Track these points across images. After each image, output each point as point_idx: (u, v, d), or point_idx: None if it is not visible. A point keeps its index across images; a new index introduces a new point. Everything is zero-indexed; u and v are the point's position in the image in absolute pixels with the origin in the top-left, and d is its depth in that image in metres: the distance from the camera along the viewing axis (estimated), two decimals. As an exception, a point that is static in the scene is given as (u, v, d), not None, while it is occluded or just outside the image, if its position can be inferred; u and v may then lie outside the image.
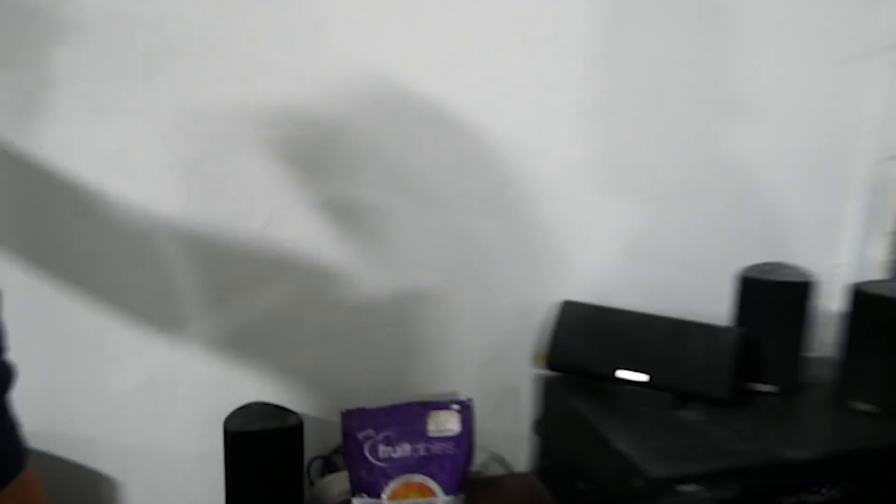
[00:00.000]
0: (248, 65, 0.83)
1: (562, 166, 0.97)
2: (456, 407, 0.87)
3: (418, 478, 0.85)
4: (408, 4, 0.87)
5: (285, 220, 0.88)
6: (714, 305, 0.95)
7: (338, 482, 0.91)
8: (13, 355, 0.51)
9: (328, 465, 0.94)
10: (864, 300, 0.88)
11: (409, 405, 0.87)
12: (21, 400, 0.51)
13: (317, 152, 0.88)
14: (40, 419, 0.82)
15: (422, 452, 0.85)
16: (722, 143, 1.03)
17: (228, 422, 0.84)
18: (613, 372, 0.90)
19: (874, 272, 1.09)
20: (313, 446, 0.90)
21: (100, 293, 0.84)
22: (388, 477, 0.84)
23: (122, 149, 0.81)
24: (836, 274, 1.09)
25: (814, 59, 1.04)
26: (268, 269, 0.89)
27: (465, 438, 0.86)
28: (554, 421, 0.96)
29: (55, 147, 0.79)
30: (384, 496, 0.84)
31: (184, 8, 0.80)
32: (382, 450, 0.85)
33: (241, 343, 0.90)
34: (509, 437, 1.04)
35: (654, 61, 0.97)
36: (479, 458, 0.98)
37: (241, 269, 0.88)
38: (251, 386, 0.91)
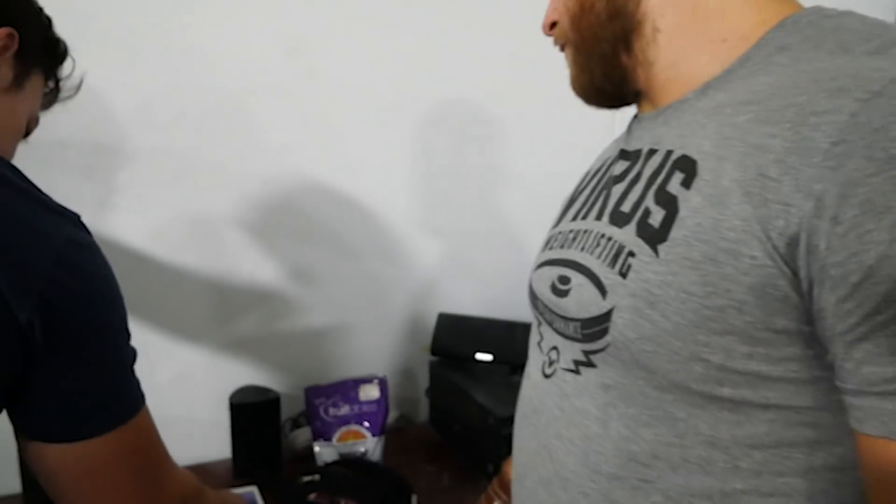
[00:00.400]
0: (237, 176, 1.32)
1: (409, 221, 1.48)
2: (376, 381, 1.40)
3: (354, 427, 1.37)
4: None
5: (263, 270, 1.38)
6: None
7: (303, 434, 1.41)
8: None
9: (296, 423, 1.44)
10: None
11: (346, 381, 1.39)
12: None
13: (279, 229, 1.38)
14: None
15: (356, 411, 1.37)
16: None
17: (232, 398, 1.33)
18: (473, 355, 1.45)
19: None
20: (286, 412, 1.40)
21: (146, 316, 1.32)
22: (336, 427, 1.36)
23: (160, 232, 1.29)
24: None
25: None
26: (254, 299, 1.39)
27: (383, 401, 1.39)
28: (438, 387, 1.50)
29: (121, 229, 1.26)
30: (334, 439, 1.35)
31: (193, 141, 1.28)
32: (331, 411, 1.36)
33: (238, 347, 1.40)
34: (411, 400, 1.57)
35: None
36: (392, 415, 1.50)
37: (238, 299, 1.38)
38: (245, 374, 1.40)
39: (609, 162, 0.70)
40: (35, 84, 0.83)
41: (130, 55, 1.22)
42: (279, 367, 1.43)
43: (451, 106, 1.48)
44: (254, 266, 1.38)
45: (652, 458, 0.57)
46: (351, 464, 1.30)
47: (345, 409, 1.36)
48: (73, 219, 0.69)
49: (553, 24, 0.69)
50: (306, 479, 1.22)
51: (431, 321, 1.47)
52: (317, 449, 1.35)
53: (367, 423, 1.36)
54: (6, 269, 0.59)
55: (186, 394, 1.36)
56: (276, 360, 1.43)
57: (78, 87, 0.92)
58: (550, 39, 0.71)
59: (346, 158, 1.41)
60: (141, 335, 1.28)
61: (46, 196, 0.68)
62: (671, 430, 0.56)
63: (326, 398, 1.37)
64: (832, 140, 0.45)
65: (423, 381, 1.51)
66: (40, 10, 0.84)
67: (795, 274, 0.48)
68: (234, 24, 1.28)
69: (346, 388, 1.38)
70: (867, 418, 0.48)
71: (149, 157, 1.26)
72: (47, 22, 0.85)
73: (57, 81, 0.87)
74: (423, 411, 1.56)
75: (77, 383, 0.65)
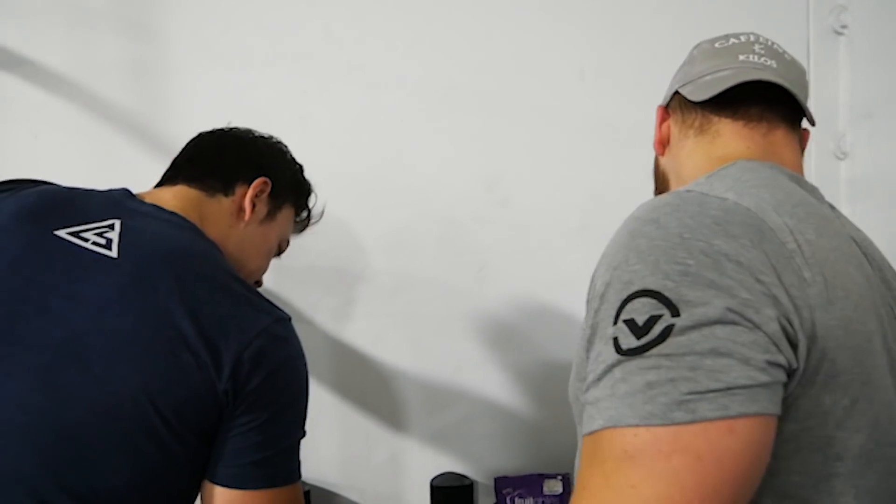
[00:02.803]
0: (443, 290, 1.58)
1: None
2: (560, 478, 1.53)
3: (538, 518, 1.50)
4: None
5: (467, 369, 1.60)
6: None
7: (493, 521, 1.58)
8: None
9: (488, 511, 1.61)
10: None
11: (532, 475, 1.54)
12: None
13: (479, 334, 1.60)
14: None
15: (541, 502, 1.51)
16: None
17: (433, 481, 1.54)
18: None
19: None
20: (482, 500, 1.57)
21: (367, 406, 1.59)
22: (521, 517, 1.51)
23: (381, 336, 1.57)
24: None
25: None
26: (456, 394, 1.61)
27: (566, 497, 1.51)
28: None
29: (352, 333, 1.56)
30: (519, 527, 1.50)
31: (409, 261, 1.56)
32: (517, 501, 1.51)
33: (442, 437, 1.61)
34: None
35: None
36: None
37: (443, 394, 1.60)
38: (447, 462, 1.60)
39: None
40: (286, 215, 1.12)
41: (365, 193, 1.55)
42: (477, 458, 1.61)
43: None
44: (458, 365, 1.60)
45: None
46: (532, 551, 1.43)
47: (529, 501, 1.50)
48: (278, 315, 0.87)
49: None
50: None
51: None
52: (504, 535, 1.50)
53: (550, 516, 1.49)
54: (215, 346, 0.79)
55: (396, 474, 1.59)
56: (474, 450, 1.62)
57: (320, 216, 1.26)
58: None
59: (539, 273, 1.61)
60: (363, 421, 1.55)
61: (261, 297, 0.91)
62: None
63: (514, 489, 1.52)
64: None
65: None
66: (292, 159, 1.15)
67: None
68: (444, 163, 1.57)
69: (532, 481, 1.52)
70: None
71: (374, 275, 1.57)
72: (298, 167, 1.16)
73: (308, 212, 1.20)
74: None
75: (249, 443, 0.81)
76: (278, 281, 1.53)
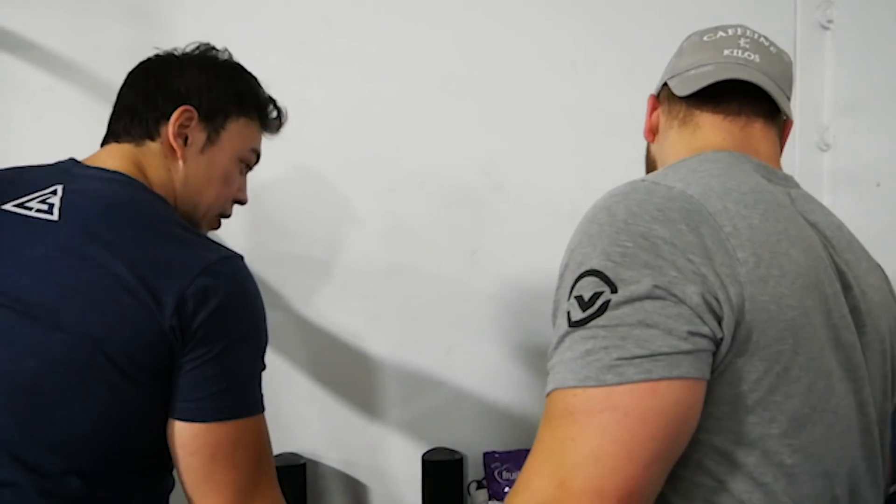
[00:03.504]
0: (434, 274, 1.63)
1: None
2: (546, 454, 1.59)
3: (525, 492, 1.57)
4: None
5: (458, 352, 1.66)
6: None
7: (482, 494, 1.64)
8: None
9: (480, 485, 1.66)
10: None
11: (521, 450, 1.60)
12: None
13: (470, 319, 1.65)
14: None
15: (527, 478, 1.57)
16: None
17: (426, 455, 1.60)
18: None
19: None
20: (472, 474, 1.64)
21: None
22: (508, 488, 1.57)
23: (377, 315, 1.63)
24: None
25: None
26: (449, 373, 1.67)
27: (552, 472, 1.57)
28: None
29: (349, 311, 1.62)
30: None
31: (404, 243, 1.62)
32: (505, 475, 1.58)
33: (434, 413, 1.67)
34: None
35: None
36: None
37: (435, 372, 1.66)
38: (438, 437, 1.67)
39: None
40: (234, 131, 1.03)
41: (362, 177, 1.60)
42: (467, 434, 1.67)
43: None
44: (450, 345, 1.66)
45: None
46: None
47: (516, 474, 1.56)
48: (224, 254, 0.87)
49: None
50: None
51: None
52: (492, 508, 1.57)
53: (536, 490, 1.55)
54: (155, 288, 0.80)
55: (389, 449, 1.66)
56: (464, 427, 1.68)
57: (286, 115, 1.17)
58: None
59: (530, 257, 1.66)
60: (357, 398, 1.61)
61: (208, 240, 0.91)
62: None
63: (501, 463, 1.59)
64: None
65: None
66: (225, 65, 1.05)
67: None
68: (439, 149, 1.62)
69: (519, 456, 1.59)
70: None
71: (370, 257, 1.62)
72: (233, 73, 1.05)
73: (273, 110, 1.11)
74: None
75: (205, 377, 0.82)
76: (276, 263, 1.59)
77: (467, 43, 1.64)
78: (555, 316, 0.71)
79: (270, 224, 1.61)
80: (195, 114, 0.99)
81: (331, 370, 1.64)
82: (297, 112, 1.55)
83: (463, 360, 1.66)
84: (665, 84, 0.94)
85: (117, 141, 0.99)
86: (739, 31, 0.91)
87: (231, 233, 1.55)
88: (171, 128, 0.97)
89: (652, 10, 1.66)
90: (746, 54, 0.88)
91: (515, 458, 1.59)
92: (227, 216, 1.10)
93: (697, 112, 0.89)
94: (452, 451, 1.62)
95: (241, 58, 1.55)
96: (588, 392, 0.63)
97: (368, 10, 1.61)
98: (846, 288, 0.77)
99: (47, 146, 1.51)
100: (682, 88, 0.89)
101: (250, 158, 1.09)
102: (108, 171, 0.94)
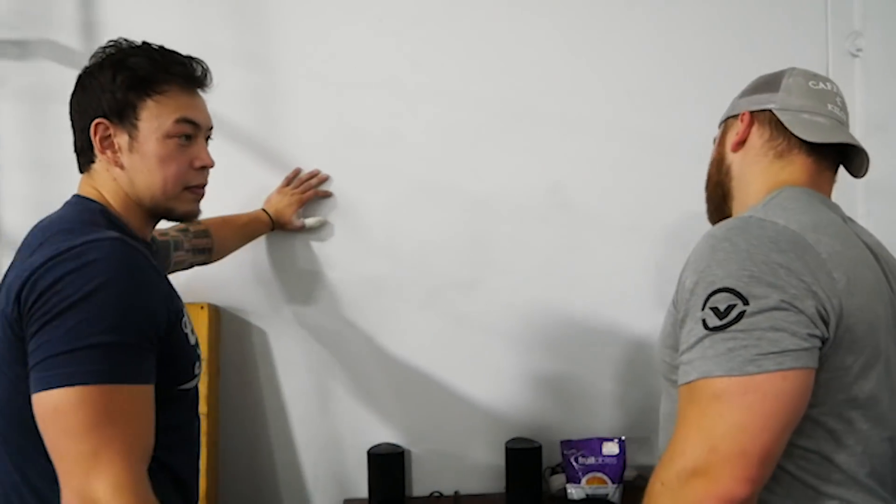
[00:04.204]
0: (498, 286, 1.84)
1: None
2: (617, 440, 1.78)
3: (598, 475, 1.76)
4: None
5: (534, 355, 1.86)
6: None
7: (558, 479, 1.82)
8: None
9: (554, 471, 1.86)
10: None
11: (592, 439, 1.79)
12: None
13: (539, 330, 1.86)
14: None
15: (599, 462, 1.76)
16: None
17: (508, 443, 1.80)
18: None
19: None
20: (547, 460, 1.83)
21: (454, 374, 1.85)
22: (584, 473, 1.76)
23: (437, 333, 1.84)
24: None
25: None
26: (524, 370, 1.87)
27: (621, 456, 1.76)
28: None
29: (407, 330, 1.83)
30: (582, 482, 1.75)
31: (459, 259, 1.83)
32: (580, 460, 1.77)
33: (512, 405, 1.87)
34: (649, 464, 1.91)
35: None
36: (631, 473, 1.85)
37: (509, 370, 1.86)
38: (517, 428, 1.86)
39: None
40: (150, 114, 1.03)
41: (445, 199, 1.82)
42: (545, 425, 1.87)
43: (683, 221, 1.88)
44: (528, 345, 1.86)
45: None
46: (595, 501, 1.70)
47: (591, 460, 1.76)
48: (68, 245, 0.90)
49: None
50: (560, 508, 1.64)
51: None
52: (569, 489, 1.76)
53: (608, 472, 1.75)
54: (8, 292, 0.91)
55: (473, 437, 1.86)
56: (542, 418, 1.88)
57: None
58: None
59: (595, 266, 1.87)
60: (448, 390, 1.81)
61: (74, 234, 0.93)
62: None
63: (577, 450, 1.78)
64: None
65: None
66: (111, 59, 1.03)
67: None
68: (512, 172, 1.84)
69: (593, 444, 1.78)
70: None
71: (455, 268, 1.83)
72: (118, 62, 1.02)
73: (185, 66, 1.07)
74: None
75: (34, 348, 0.87)
76: (367, 281, 1.81)
77: (536, 77, 1.86)
78: (683, 321, 0.90)
79: (368, 244, 1.83)
80: (106, 121, 1.03)
81: (423, 371, 1.85)
82: (389, 142, 1.80)
83: (538, 360, 1.87)
84: (768, 110, 1.06)
85: (81, 173, 1.10)
86: (835, 89, 1.08)
87: (329, 254, 1.79)
88: (96, 145, 1.03)
89: (696, 43, 1.87)
90: (841, 113, 1.07)
91: (588, 446, 1.78)
92: (199, 185, 1.12)
93: (797, 151, 1.04)
94: (531, 441, 1.81)
95: (340, 94, 1.81)
96: (733, 380, 0.82)
97: (449, 50, 1.84)
98: (894, 293, 1.00)
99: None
100: (803, 131, 1.03)
101: (181, 129, 1.06)
102: (73, 197, 1.08)
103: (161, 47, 1.08)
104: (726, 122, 1.14)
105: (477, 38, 1.85)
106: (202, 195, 1.14)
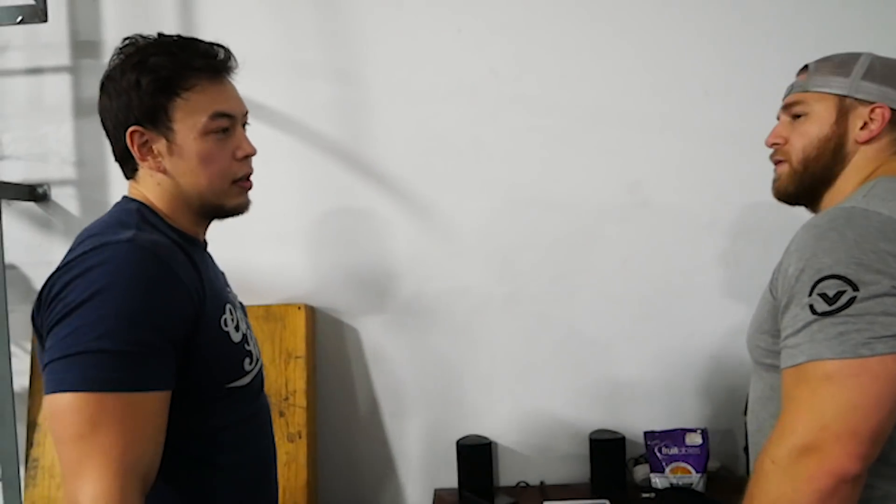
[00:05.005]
0: (588, 279, 1.91)
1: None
2: (699, 431, 1.82)
3: (682, 464, 1.80)
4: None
5: (619, 348, 1.92)
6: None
7: (642, 469, 1.87)
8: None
9: (637, 462, 1.91)
10: None
11: (675, 430, 1.84)
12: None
13: (637, 311, 1.92)
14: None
15: (683, 452, 1.81)
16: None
17: (592, 434, 1.86)
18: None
19: None
20: (630, 451, 1.89)
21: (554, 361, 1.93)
22: (667, 463, 1.81)
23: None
24: None
25: None
26: (608, 363, 1.93)
27: (704, 446, 1.80)
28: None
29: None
30: (666, 471, 1.80)
31: (561, 252, 1.90)
32: (664, 450, 1.82)
33: (596, 398, 1.94)
34: (731, 455, 1.95)
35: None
36: (714, 465, 1.89)
37: (595, 364, 1.93)
38: (601, 420, 1.93)
39: None
40: (184, 113, 0.98)
41: (529, 200, 1.90)
42: (629, 417, 1.93)
43: (760, 215, 1.91)
44: (609, 339, 1.92)
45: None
46: (679, 490, 1.75)
47: (674, 450, 1.81)
48: (84, 249, 0.90)
49: (775, 144, 1.14)
50: (644, 495, 1.70)
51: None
52: (653, 479, 1.81)
53: (692, 462, 1.79)
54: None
55: (557, 429, 1.93)
56: (626, 410, 1.93)
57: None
58: None
59: (675, 262, 1.92)
60: (532, 386, 1.89)
61: (108, 232, 0.93)
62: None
63: (660, 440, 1.83)
64: None
65: (741, 439, 1.89)
66: (128, 78, 0.98)
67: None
68: (593, 172, 1.90)
69: (676, 434, 1.83)
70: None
71: (539, 264, 1.91)
72: (136, 73, 0.97)
73: (210, 54, 1.01)
74: (741, 466, 1.93)
75: (47, 352, 0.87)
76: (456, 277, 1.90)
77: (612, 80, 1.91)
78: (786, 307, 0.93)
79: (454, 246, 1.92)
80: (141, 128, 0.99)
81: (508, 365, 1.93)
82: (473, 149, 1.89)
83: (619, 352, 1.93)
84: None
85: (128, 180, 1.08)
86: None
87: (416, 255, 1.88)
88: (136, 154, 1.00)
89: (771, 42, 1.90)
90: None
91: (671, 437, 1.83)
92: (246, 176, 1.08)
93: None
94: (614, 432, 1.88)
95: (423, 104, 1.90)
96: (845, 362, 0.85)
97: (527, 59, 1.91)
98: None
99: (274, 185, 1.89)
100: None
101: (218, 125, 1.01)
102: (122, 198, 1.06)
103: (178, 38, 1.02)
104: (843, 101, 1.07)
105: (553, 45, 1.92)
106: (250, 186, 1.09)
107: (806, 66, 1.15)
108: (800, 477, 0.86)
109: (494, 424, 1.93)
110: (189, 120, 0.99)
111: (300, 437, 1.77)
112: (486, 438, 1.89)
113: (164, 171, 1.01)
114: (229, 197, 1.06)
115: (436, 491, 1.91)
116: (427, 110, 1.92)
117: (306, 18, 1.91)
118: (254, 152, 1.08)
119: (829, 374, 0.87)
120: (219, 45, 1.04)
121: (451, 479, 1.90)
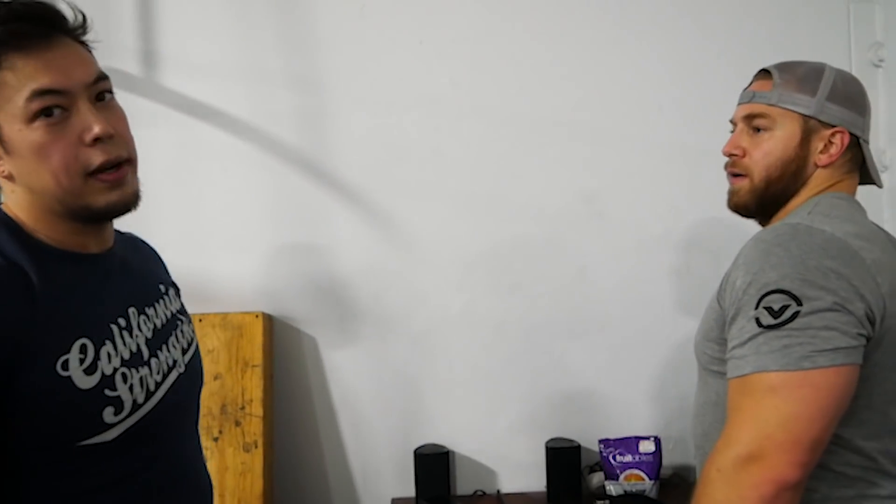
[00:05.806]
0: (543, 288, 1.93)
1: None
2: (652, 439, 1.86)
3: (636, 471, 1.84)
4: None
5: (572, 356, 1.95)
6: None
7: (597, 476, 1.90)
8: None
9: (592, 469, 1.94)
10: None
11: (629, 437, 1.87)
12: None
13: (582, 325, 1.94)
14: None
15: (636, 459, 1.84)
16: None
17: (548, 443, 1.88)
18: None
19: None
20: (585, 460, 1.91)
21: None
22: (621, 470, 1.84)
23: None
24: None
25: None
26: (564, 373, 1.96)
27: (657, 454, 1.84)
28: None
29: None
30: (620, 479, 1.83)
31: (515, 259, 1.92)
32: (618, 458, 1.85)
33: (551, 408, 1.96)
34: (685, 465, 1.99)
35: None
36: (667, 472, 1.94)
37: (550, 374, 1.95)
38: (557, 429, 1.95)
39: None
40: (3, 113, 0.79)
41: (487, 209, 1.92)
42: (583, 425, 1.95)
43: (711, 228, 1.96)
44: (564, 348, 1.95)
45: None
46: (633, 496, 1.78)
47: (628, 458, 1.84)
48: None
49: (733, 154, 1.15)
50: (599, 502, 1.73)
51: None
52: (608, 486, 1.84)
53: (645, 469, 1.83)
54: None
55: (514, 439, 1.95)
56: (580, 419, 1.96)
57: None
58: None
59: (629, 271, 1.95)
60: (489, 395, 1.91)
61: None
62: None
63: (615, 448, 1.86)
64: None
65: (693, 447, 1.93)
66: None
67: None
68: (550, 183, 1.93)
69: (630, 442, 1.86)
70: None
71: (496, 274, 1.93)
72: None
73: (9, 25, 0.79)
74: (693, 473, 1.96)
75: None
76: (415, 285, 1.91)
77: (571, 93, 1.95)
78: (733, 319, 0.97)
79: (412, 254, 1.93)
80: None
81: (465, 374, 1.94)
82: (432, 158, 1.90)
83: (574, 361, 1.96)
84: (857, 136, 1.09)
85: None
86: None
87: (374, 265, 1.88)
88: None
89: (722, 59, 1.95)
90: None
91: (625, 444, 1.86)
92: (105, 166, 0.84)
93: (855, 174, 1.12)
94: (570, 440, 1.90)
95: (383, 114, 1.91)
96: (788, 374, 0.90)
97: (487, 70, 1.94)
98: None
99: (232, 190, 1.88)
100: (876, 176, 1.14)
101: (41, 104, 0.79)
102: None
103: None
104: (807, 122, 1.08)
105: (512, 58, 1.94)
106: (119, 178, 0.85)
107: (765, 71, 1.15)
108: (744, 484, 0.89)
109: (452, 433, 1.94)
110: (7, 107, 0.79)
111: (256, 447, 1.75)
112: (443, 447, 1.90)
113: (10, 177, 0.83)
114: (90, 195, 0.83)
115: (393, 500, 1.91)
116: (387, 119, 1.93)
117: (268, 25, 1.91)
118: (108, 131, 0.82)
119: (773, 385, 0.90)
120: (35, 2, 0.81)
121: (408, 489, 1.90)
